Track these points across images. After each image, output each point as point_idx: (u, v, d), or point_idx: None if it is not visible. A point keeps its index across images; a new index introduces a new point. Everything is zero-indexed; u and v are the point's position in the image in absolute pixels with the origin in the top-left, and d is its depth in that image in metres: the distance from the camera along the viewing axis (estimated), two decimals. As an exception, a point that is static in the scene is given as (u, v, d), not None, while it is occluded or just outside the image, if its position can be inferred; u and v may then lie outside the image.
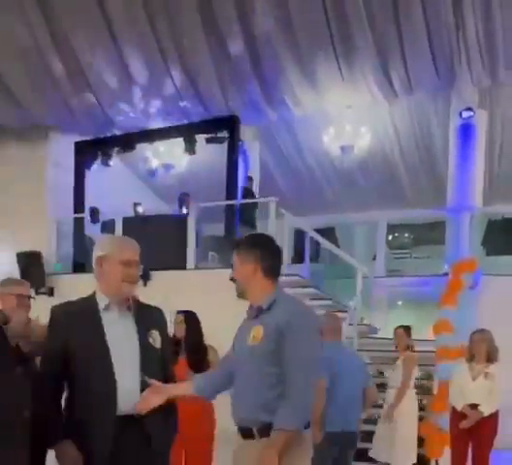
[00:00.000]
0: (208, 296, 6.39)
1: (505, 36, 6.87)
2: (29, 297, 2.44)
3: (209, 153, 10.09)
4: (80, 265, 8.54)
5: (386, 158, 9.78)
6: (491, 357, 4.19)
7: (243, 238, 2.06)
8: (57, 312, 1.96)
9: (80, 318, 1.92)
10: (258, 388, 1.85)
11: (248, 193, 9.07)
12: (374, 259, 10.36)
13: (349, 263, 7.91)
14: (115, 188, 10.13)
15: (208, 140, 9.36)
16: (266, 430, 1.82)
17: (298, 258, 9.07)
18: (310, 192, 10.92)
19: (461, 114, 8.09)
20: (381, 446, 4.73)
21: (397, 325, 5.32)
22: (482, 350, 4.19)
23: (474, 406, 4.14)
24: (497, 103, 8.30)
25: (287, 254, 7.33)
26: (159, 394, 1.90)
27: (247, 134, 9.50)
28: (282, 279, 6.77)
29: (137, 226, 7.81)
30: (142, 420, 1.90)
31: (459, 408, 4.21)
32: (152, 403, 1.88)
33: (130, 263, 1.92)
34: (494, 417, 4.14)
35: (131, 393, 1.88)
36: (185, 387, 2.08)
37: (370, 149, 9.22)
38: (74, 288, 5.96)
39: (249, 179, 9.31)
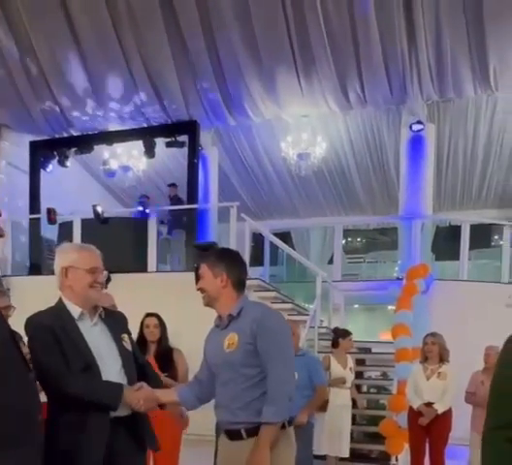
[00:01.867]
0: (169, 299, 6.25)
1: (453, 57, 7.23)
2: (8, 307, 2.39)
3: (168, 156, 9.97)
4: (36, 267, 8.17)
5: (341, 166, 10.01)
6: (443, 358, 4.37)
7: (213, 253, 2.14)
8: (37, 325, 1.91)
9: (60, 329, 1.90)
10: (240, 391, 1.92)
11: (175, 199, 8.98)
12: (329, 263, 10.46)
13: (306, 267, 7.98)
14: (72, 189, 9.81)
15: (168, 144, 9.28)
16: (253, 430, 1.89)
17: (256, 261, 9.08)
18: (268, 197, 11.04)
19: (411, 127, 8.40)
20: (328, 438, 4.84)
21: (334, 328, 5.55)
22: (435, 351, 4.36)
23: (429, 404, 4.29)
24: (445, 117, 8.68)
25: (247, 257, 7.30)
26: (152, 399, 1.97)
27: (206, 139, 9.47)
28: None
29: (96, 227, 7.57)
30: (133, 421, 1.95)
31: (415, 406, 4.35)
32: (150, 407, 1.96)
33: (95, 270, 1.96)
34: (447, 414, 4.29)
35: None
36: (172, 395, 2.12)
37: (326, 158, 9.42)
38: (29, 290, 5.70)
39: (173, 185, 9.17)
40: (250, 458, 1.89)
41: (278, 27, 7.16)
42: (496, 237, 9.62)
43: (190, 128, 8.98)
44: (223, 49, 7.59)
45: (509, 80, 7.45)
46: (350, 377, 5.02)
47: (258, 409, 1.88)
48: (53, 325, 1.89)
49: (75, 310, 1.95)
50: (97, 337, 1.95)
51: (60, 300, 1.97)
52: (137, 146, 9.49)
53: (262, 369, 1.90)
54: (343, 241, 11.68)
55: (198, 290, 2.04)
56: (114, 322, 2.06)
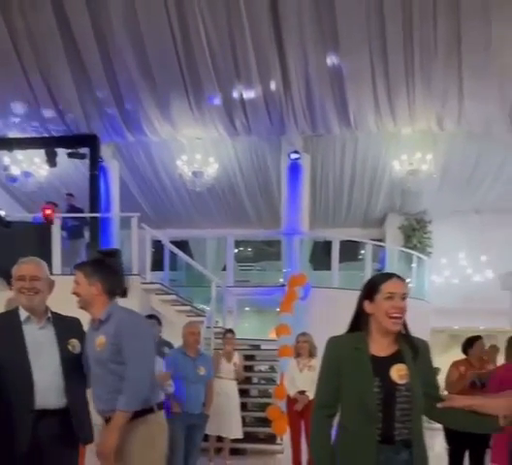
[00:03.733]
0: (73, 300, 6.38)
1: (320, 99, 8.19)
2: None
3: (70, 166, 10.10)
4: None
5: (231, 185, 10.66)
6: (312, 353, 5.06)
7: (89, 262, 2.31)
8: None
9: (5, 330, 2.16)
10: (108, 384, 2.14)
11: (73, 208, 9.09)
12: (224, 269, 11.12)
13: (203, 273, 8.43)
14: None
15: (70, 155, 9.35)
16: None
17: (157, 266, 9.39)
18: (167, 208, 11.42)
19: (289, 156, 9.30)
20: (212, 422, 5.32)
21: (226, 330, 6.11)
22: (305, 348, 5.07)
23: (302, 392, 4.93)
24: (318, 149, 9.64)
25: (148, 263, 7.62)
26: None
27: (107, 152, 9.69)
28: (147, 286, 6.77)
29: (-1, 231, 7.43)
30: (63, 413, 2.15)
31: (291, 394, 5.03)
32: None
33: (23, 277, 2.19)
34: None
35: (49, 391, 2.12)
36: None
37: (218, 176, 9.97)
38: None
39: (70, 195, 9.26)
40: (101, 439, 2.10)
41: (170, 58, 7.70)
42: (362, 252, 10.82)
43: (90, 141, 9.18)
44: (119, 71, 7.96)
45: (366, 123, 8.60)
46: (233, 370, 5.54)
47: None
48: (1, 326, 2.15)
49: (23, 313, 2.18)
50: (40, 339, 2.16)
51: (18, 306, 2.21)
52: (39, 154, 9.47)
53: (125, 367, 2.10)
54: (236, 250, 12.41)
55: (73, 293, 2.21)
56: (65, 326, 2.24)
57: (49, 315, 2.24)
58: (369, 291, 1.72)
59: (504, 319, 8.63)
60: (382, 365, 1.68)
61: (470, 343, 4.19)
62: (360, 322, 1.75)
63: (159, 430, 2.22)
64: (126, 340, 2.10)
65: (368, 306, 1.72)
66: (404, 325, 1.74)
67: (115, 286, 2.25)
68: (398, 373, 1.67)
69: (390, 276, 1.74)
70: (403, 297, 1.71)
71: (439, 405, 1.65)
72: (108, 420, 2.15)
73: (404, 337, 1.74)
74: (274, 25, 7.22)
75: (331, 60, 7.63)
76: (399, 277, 1.75)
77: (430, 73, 7.44)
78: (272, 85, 8.01)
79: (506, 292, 8.97)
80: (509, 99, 7.71)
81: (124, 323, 2.15)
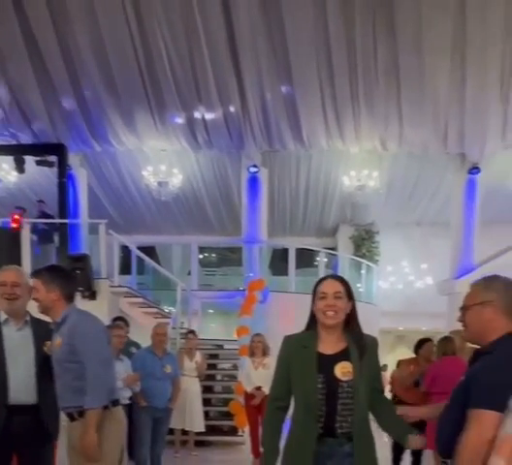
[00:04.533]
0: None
1: (276, 118, 8.72)
2: None
3: (38, 172, 10.28)
4: None
5: (195, 194, 11.08)
6: (265, 352, 5.36)
7: (45, 269, 2.36)
8: None
9: None
10: (66, 382, 2.25)
11: (44, 214, 9.26)
12: (189, 274, 11.34)
13: (169, 277, 8.70)
14: None
15: (38, 163, 9.51)
16: (82, 412, 2.22)
17: (125, 270, 9.52)
18: (134, 215, 11.73)
19: (248, 169, 9.79)
20: (176, 416, 5.61)
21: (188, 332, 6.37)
22: (259, 348, 5.37)
23: (259, 388, 5.22)
24: (275, 163, 10.18)
25: (116, 267, 7.77)
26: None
27: (75, 161, 9.93)
28: (116, 289, 7.24)
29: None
30: (35, 410, 2.29)
31: (248, 390, 5.32)
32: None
33: (4, 283, 2.36)
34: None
35: (22, 388, 2.29)
36: None
37: (182, 186, 10.35)
38: None
39: (41, 202, 9.41)
40: (81, 441, 2.16)
41: (134, 77, 8.07)
42: (317, 259, 11.44)
43: (58, 150, 9.40)
44: (85, 84, 8.27)
45: (317, 141, 9.20)
46: (195, 368, 5.79)
47: (78, 397, 2.20)
48: None
49: (2, 316, 2.36)
50: (17, 340, 2.34)
51: None
52: (7, 160, 9.63)
53: (82, 364, 2.19)
54: (201, 256, 12.84)
55: (33, 299, 2.31)
56: (41, 329, 2.38)
57: (27, 318, 2.41)
58: (313, 293, 1.85)
59: (442, 321, 9.35)
60: (327, 363, 1.77)
61: (420, 345, 4.46)
62: (313, 322, 1.86)
63: (113, 424, 2.29)
64: (79, 340, 2.19)
65: (313, 307, 1.84)
66: (356, 324, 1.84)
67: (73, 291, 2.36)
68: (341, 370, 1.75)
69: (324, 278, 1.86)
70: (337, 296, 1.80)
71: (398, 412, 1.83)
72: (70, 416, 2.27)
73: (353, 335, 1.82)
74: (232, 54, 7.70)
75: (284, 87, 8.21)
76: (333, 277, 1.88)
77: (372, 100, 8.11)
78: (231, 106, 8.52)
79: (444, 297, 9.73)
80: (442, 125, 8.54)
81: (77, 324, 2.23)
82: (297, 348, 1.83)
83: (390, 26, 7.19)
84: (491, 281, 1.65)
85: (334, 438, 1.75)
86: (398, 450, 4.53)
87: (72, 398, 2.23)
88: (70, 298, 2.32)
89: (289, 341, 1.88)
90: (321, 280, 1.87)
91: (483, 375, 1.46)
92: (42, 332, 2.37)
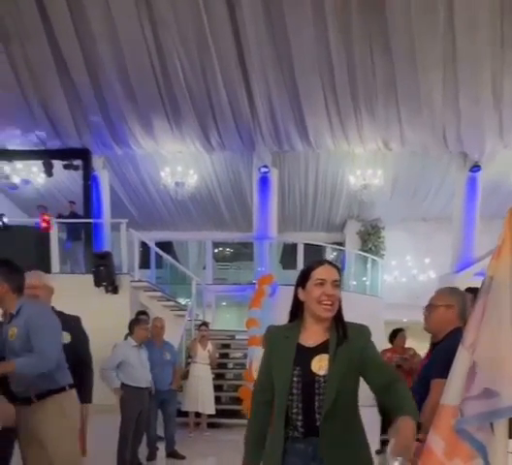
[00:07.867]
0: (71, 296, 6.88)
1: (283, 121, 9.00)
2: None
3: (65, 175, 10.77)
4: None
5: (210, 193, 11.43)
6: None
7: None
8: None
9: None
10: None
11: (73, 215, 9.68)
12: (204, 268, 11.74)
13: (185, 272, 9.12)
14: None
15: (65, 167, 9.99)
16: (41, 395, 2.31)
17: (145, 265, 9.76)
18: (153, 214, 12.15)
19: (260, 169, 10.07)
20: (189, 400, 6.05)
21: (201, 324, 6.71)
22: None
23: None
24: (285, 164, 10.46)
25: (137, 262, 8.12)
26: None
27: (98, 163, 10.34)
28: (136, 284, 7.85)
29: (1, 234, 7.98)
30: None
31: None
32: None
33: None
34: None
35: None
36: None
37: (198, 186, 10.74)
38: None
39: (72, 203, 9.83)
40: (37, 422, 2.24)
41: (151, 87, 8.50)
42: (325, 254, 11.71)
43: (83, 154, 9.91)
44: (108, 95, 8.73)
45: (324, 142, 9.47)
46: (207, 356, 6.15)
47: (39, 381, 2.27)
48: None
49: None
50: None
51: None
52: (36, 164, 10.08)
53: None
54: (216, 250, 13.23)
55: None
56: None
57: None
58: (302, 278, 1.61)
59: (444, 313, 9.50)
60: (306, 355, 1.58)
61: (394, 335, 4.76)
62: (297, 310, 1.65)
63: (70, 405, 2.38)
64: (34, 328, 2.25)
65: (301, 294, 1.61)
66: (340, 314, 1.60)
67: (21, 283, 2.36)
68: (318, 363, 1.56)
69: (321, 263, 1.61)
70: (335, 285, 1.58)
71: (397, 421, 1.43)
72: (27, 401, 2.30)
73: (338, 326, 1.60)
74: (241, 65, 8.04)
75: (290, 93, 8.48)
76: (330, 263, 1.62)
77: (372, 104, 8.33)
78: (241, 111, 8.84)
79: (446, 290, 9.88)
80: (440, 129, 8.71)
81: (32, 314, 2.29)
82: (279, 339, 1.65)
83: (385, 43, 7.46)
84: (454, 290, 2.15)
85: (316, 437, 1.55)
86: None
87: (29, 383, 2.28)
88: (19, 291, 2.34)
89: (272, 332, 1.71)
90: (316, 264, 1.61)
91: (438, 356, 1.95)
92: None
